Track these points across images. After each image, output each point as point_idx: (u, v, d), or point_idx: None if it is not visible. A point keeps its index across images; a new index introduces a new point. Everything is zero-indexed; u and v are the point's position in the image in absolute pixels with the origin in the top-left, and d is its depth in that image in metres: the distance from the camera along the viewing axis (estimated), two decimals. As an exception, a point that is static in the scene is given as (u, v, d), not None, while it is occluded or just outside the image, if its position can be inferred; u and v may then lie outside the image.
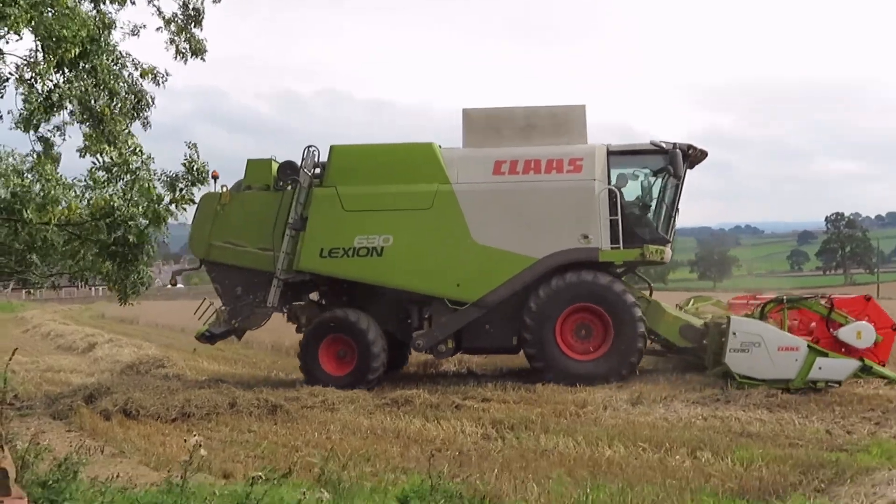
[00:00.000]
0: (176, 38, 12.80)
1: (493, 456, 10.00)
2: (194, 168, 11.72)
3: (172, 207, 11.62)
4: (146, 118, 12.22)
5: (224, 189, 16.86)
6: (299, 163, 16.60)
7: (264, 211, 16.64)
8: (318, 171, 16.75)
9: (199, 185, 11.91)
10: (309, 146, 16.68)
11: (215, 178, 16.79)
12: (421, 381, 16.67)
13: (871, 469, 8.56)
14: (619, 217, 16.11)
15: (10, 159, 11.47)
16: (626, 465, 9.35)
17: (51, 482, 5.15)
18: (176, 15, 12.68)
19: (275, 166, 16.95)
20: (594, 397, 13.97)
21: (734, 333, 14.07)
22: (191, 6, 12.57)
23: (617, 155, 16.48)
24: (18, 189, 9.97)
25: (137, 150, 11.50)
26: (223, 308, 17.07)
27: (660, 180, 16.89)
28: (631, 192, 16.92)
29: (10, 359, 8.10)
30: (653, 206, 16.99)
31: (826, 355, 13.69)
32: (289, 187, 16.59)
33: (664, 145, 16.37)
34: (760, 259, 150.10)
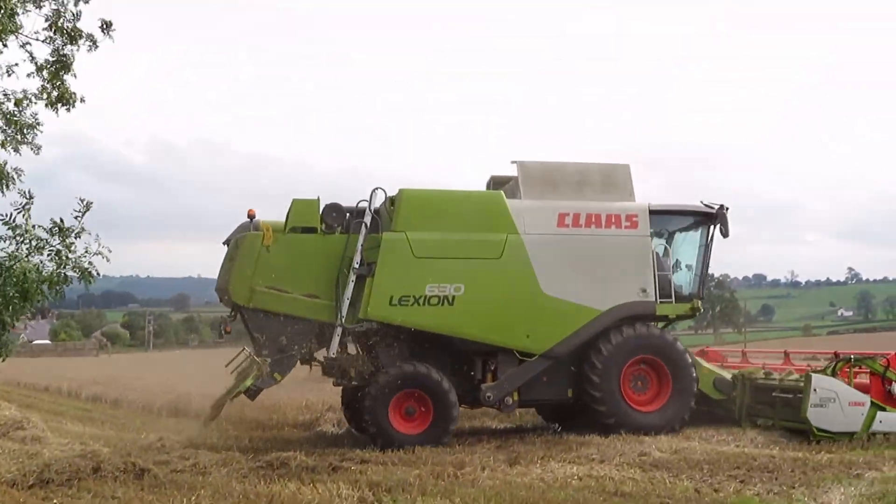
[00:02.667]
0: (48, 84, 12.42)
1: (369, 520, 9.82)
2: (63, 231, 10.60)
3: (45, 288, 10.71)
4: (33, 142, 11.50)
5: (267, 230, 15.67)
6: (347, 205, 16.00)
7: (314, 254, 15.82)
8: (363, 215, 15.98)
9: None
10: (375, 188, 16.17)
11: (251, 217, 16.05)
12: (299, 442, 16.29)
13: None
14: (670, 272, 17.02)
15: None
16: (502, 527, 9.34)
17: None
18: (48, 62, 12.37)
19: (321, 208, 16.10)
20: (472, 458, 13.95)
21: (815, 390, 14.92)
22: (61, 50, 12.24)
23: (658, 214, 17.14)
24: None
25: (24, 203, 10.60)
26: (264, 359, 15.42)
27: (696, 238, 17.87)
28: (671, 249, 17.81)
29: None
30: (691, 263, 17.86)
31: (885, 409, 14.97)
32: (337, 231, 15.93)
33: (713, 206, 17.34)
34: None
